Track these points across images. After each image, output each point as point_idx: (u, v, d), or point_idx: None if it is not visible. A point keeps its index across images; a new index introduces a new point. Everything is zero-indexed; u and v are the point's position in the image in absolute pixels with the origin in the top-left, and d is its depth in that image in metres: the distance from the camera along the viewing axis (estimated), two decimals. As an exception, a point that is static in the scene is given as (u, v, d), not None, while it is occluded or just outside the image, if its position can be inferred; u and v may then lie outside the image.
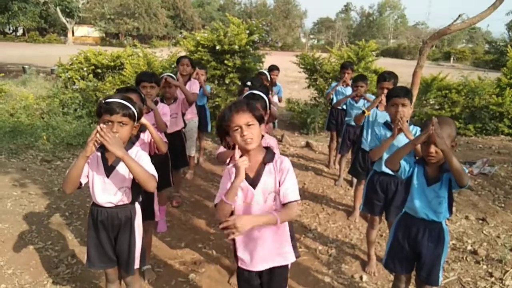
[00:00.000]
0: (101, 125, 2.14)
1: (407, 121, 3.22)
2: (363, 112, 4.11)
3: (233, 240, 2.23)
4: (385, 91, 3.87)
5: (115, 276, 2.58)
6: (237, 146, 2.11)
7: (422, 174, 2.48)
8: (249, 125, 2.05)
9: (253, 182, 2.12)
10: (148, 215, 3.07)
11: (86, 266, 2.55)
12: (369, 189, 3.52)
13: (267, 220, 2.01)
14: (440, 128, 2.25)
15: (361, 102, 5.15)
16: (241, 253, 2.24)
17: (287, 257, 2.26)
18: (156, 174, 2.38)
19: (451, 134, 2.31)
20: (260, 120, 2.11)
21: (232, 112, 2.07)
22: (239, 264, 2.27)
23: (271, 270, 2.26)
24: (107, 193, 2.37)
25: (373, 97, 4.97)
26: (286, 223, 2.23)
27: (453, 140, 2.35)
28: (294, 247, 2.29)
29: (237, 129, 2.06)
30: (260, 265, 2.22)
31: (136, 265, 2.54)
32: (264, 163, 2.13)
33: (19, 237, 3.90)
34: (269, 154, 2.16)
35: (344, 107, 5.80)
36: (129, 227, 2.46)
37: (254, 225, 1.99)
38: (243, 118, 2.05)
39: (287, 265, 2.31)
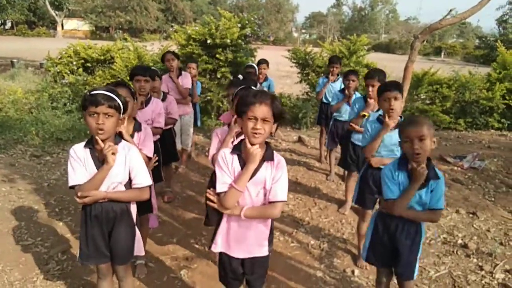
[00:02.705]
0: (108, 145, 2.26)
1: (400, 116, 3.23)
2: (363, 115, 4.12)
3: (218, 223, 2.29)
4: (370, 88, 4.04)
5: (107, 271, 2.55)
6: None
7: (406, 179, 2.44)
8: (265, 120, 2.04)
9: None
10: (145, 208, 3.04)
11: (78, 260, 2.51)
12: (362, 183, 3.53)
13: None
14: (418, 124, 2.31)
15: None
16: (219, 237, 2.29)
17: (263, 251, 2.29)
18: (150, 181, 2.47)
19: (429, 129, 2.32)
20: (277, 118, 2.09)
21: (255, 101, 2.03)
22: (212, 248, 2.33)
23: (252, 259, 2.30)
24: (101, 188, 2.34)
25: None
26: (269, 221, 2.27)
27: (433, 136, 2.35)
28: (270, 242, 2.32)
29: (251, 119, 2.04)
30: (238, 253, 2.27)
31: (136, 252, 2.55)
32: (263, 159, 2.13)
33: (8, 234, 3.85)
34: (269, 151, 2.15)
35: (331, 100, 5.77)
36: (126, 219, 2.46)
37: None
38: (263, 112, 2.02)
39: (267, 255, 2.34)
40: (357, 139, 4.37)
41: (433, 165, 2.43)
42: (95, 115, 2.22)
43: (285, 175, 2.15)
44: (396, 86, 3.18)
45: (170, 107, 4.48)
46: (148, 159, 2.99)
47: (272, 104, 2.04)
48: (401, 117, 3.23)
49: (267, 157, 2.13)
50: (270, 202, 2.14)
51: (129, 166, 2.39)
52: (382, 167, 3.24)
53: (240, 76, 3.53)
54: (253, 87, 2.94)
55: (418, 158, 2.33)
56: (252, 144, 2.07)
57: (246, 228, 2.22)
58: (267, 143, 2.19)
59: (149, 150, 3.05)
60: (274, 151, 2.20)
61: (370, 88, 4.05)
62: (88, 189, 2.28)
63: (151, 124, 3.81)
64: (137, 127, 3.03)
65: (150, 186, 3.14)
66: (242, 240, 2.24)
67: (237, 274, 2.36)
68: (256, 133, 2.03)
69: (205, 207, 2.46)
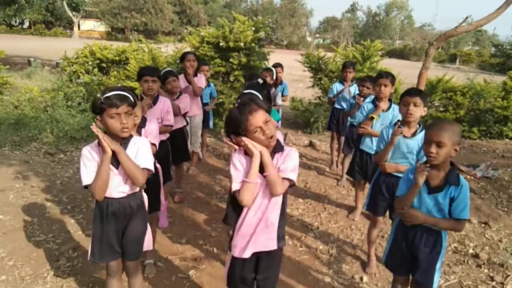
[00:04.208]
0: (93, 124, 2.26)
1: (419, 124, 3.19)
2: (371, 118, 4.12)
3: (234, 227, 2.35)
4: (382, 88, 4.10)
5: (117, 269, 2.58)
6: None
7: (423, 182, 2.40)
8: (267, 121, 2.11)
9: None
10: (154, 206, 3.09)
11: (90, 260, 2.53)
12: (374, 189, 3.50)
13: (270, 163, 2.13)
14: (441, 130, 2.26)
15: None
16: (236, 239, 2.33)
17: (271, 244, 2.30)
18: (150, 166, 2.45)
19: (452, 138, 2.26)
20: (268, 111, 2.20)
21: (247, 115, 2.09)
22: (233, 253, 2.35)
23: (266, 257, 2.33)
24: (119, 184, 2.39)
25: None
26: (278, 213, 2.29)
27: (457, 144, 2.30)
28: (280, 237, 2.33)
29: (256, 130, 2.10)
30: (249, 249, 2.29)
31: (146, 247, 2.59)
32: (274, 152, 2.21)
33: (21, 229, 3.91)
34: (279, 145, 2.24)
35: (345, 105, 5.77)
36: (141, 213, 2.52)
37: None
38: (260, 118, 2.10)
39: (276, 253, 2.35)
40: (366, 146, 4.34)
41: (456, 171, 2.37)
42: (117, 116, 2.25)
43: (294, 160, 2.21)
44: (419, 92, 3.16)
45: (182, 105, 4.51)
46: (153, 145, 3.07)
47: (259, 106, 2.15)
48: (419, 124, 3.20)
49: (277, 149, 2.21)
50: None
51: (137, 150, 2.42)
52: (396, 174, 3.25)
53: (260, 80, 3.54)
54: (265, 91, 2.97)
55: (431, 161, 2.31)
56: (271, 147, 2.17)
57: (258, 219, 2.26)
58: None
59: (154, 137, 3.14)
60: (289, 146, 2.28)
61: (382, 88, 4.09)
62: (98, 184, 2.29)
63: (160, 122, 3.85)
64: (142, 124, 3.11)
65: (159, 183, 3.18)
66: (252, 232, 2.27)
67: (247, 280, 2.37)
68: (269, 137, 2.11)
69: (226, 207, 2.50)
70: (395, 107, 4.20)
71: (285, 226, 2.40)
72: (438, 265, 2.49)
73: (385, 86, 4.09)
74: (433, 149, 2.26)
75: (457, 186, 2.32)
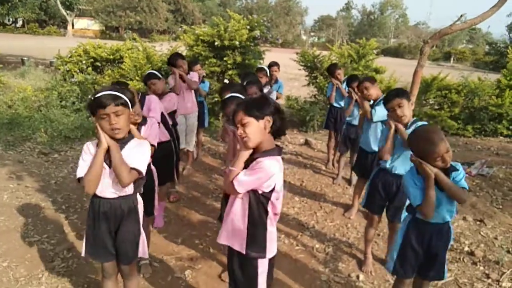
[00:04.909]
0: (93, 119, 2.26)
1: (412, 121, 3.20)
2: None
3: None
4: (365, 91, 4.21)
5: (112, 270, 2.56)
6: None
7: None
8: (243, 123, 2.10)
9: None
10: (147, 210, 3.06)
11: (85, 255, 2.51)
12: (371, 187, 3.50)
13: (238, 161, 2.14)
14: (442, 140, 2.31)
15: None
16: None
17: (240, 247, 2.23)
18: (140, 168, 2.33)
19: (444, 137, 2.36)
20: (258, 116, 2.09)
21: (234, 113, 2.17)
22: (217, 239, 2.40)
23: (238, 261, 2.30)
24: (111, 183, 2.34)
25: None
26: (246, 219, 2.19)
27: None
28: (249, 245, 2.22)
29: (237, 127, 2.15)
30: (222, 239, 2.33)
31: (141, 254, 2.55)
32: (254, 157, 2.13)
33: (15, 230, 3.88)
34: (264, 152, 2.12)
35: (342, 104, 5.78)
36: (133, 217, 2.46)
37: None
38: (237, 117, 2.13)
39: (247, 261, 2.26)
40: (364, 143, 4.35)
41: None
42: (106, 116, 2.23)
43: (257, 172, 2.07)
44: (395, 94, 3.16)
45: (165, 104, 4.39)
46: (152, 146, 3.04)
47: (240, 107, 2.14)
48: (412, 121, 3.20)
49: (257, 155, 2.12)
50: None
51: (132, 151, 2.37)
52: (394, 172, 3.26)
53: (227, 81, 3.57)
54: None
55: (448, 164, 2.37)
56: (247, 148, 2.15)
57: (230, 213, 2.26)
58: (278, 146, 2.19)
59: (153, 138, 3.15)
60: (274, 158, 2.13)
61: (365, 92, 4.20)
62: (89, 176, 2.26)
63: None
64: (143, 121, 3.13)
65: (153, 188, 3.16)
66: (226, 223, 2.30)
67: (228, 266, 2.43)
68: (241, 137, 2.12)
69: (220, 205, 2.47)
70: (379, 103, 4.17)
71: (263, 237, 2.22)
72: (446, 256, 2.57)
73: (367, 89, 4.18)
74: (447, 156, 2.34)
75: (456, 171, 2.41)
